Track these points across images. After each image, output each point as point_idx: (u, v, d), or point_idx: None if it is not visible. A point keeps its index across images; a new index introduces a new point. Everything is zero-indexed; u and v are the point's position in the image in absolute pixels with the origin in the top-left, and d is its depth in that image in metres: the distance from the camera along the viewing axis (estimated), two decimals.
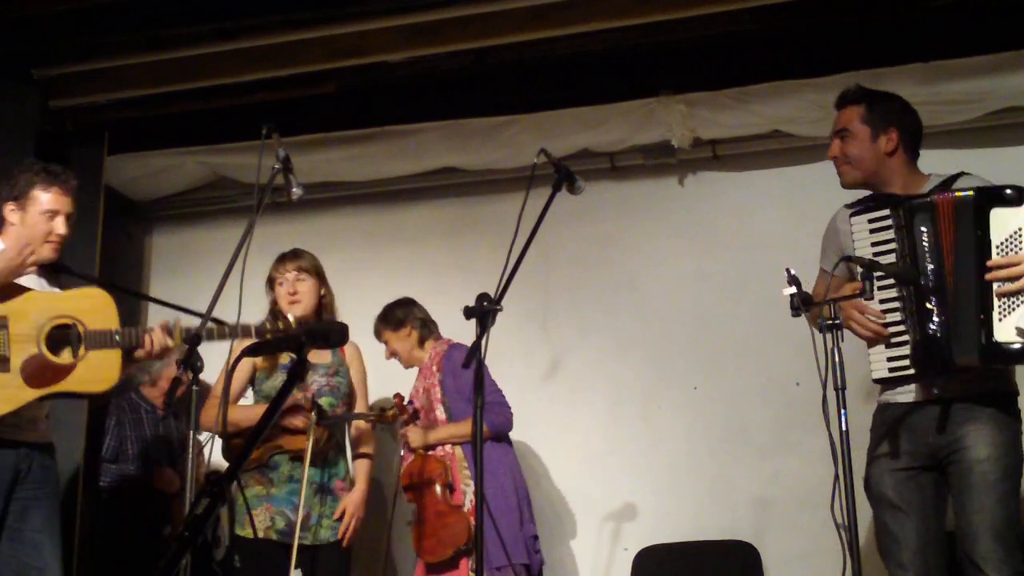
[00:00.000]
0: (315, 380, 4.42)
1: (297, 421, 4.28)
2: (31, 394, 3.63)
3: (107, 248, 5.66)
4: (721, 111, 5.19)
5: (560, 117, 5.34)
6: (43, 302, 3.70)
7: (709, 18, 4.81)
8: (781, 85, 5.03)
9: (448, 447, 4.64)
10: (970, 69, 4.82)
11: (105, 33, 5.11)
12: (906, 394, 3.35)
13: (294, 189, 3.71)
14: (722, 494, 5.21)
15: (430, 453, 4.61)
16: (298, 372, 2.29)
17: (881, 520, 3.35)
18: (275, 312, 4.42)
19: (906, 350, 3.22)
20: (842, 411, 3.00)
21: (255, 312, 4.00)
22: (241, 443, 4.19)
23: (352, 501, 4.37)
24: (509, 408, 4.67)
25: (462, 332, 3.54)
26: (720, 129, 5.34)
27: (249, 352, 2.45)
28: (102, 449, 5.26)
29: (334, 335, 2.41)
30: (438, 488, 4.50)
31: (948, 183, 3.36)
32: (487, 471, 4.36)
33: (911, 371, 3.22)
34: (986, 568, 3.13)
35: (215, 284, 3.56)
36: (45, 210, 3.79)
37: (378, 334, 4.96)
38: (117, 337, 3.65)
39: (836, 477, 2.96)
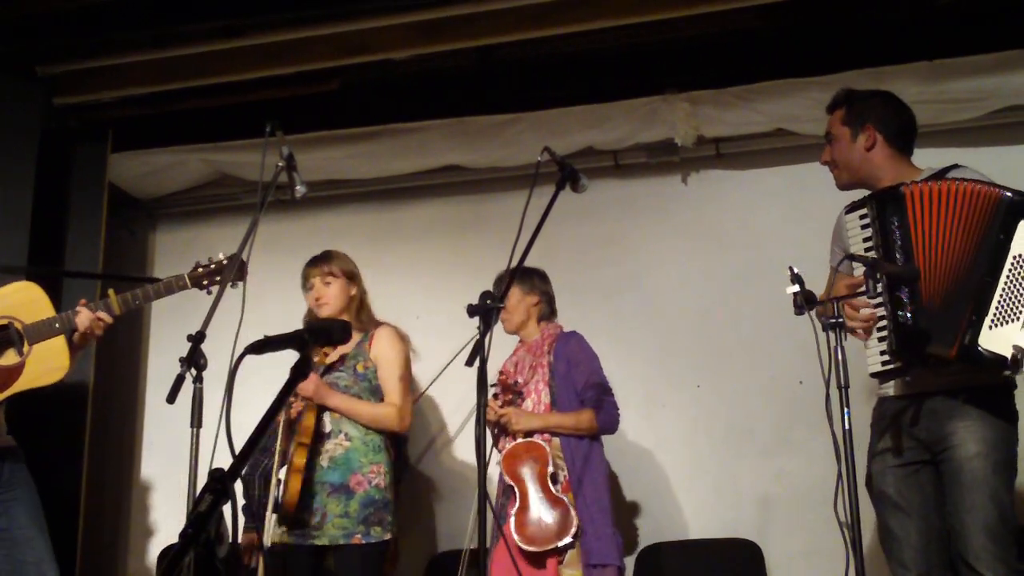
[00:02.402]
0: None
1: None
2: None
3: (111, 246, 5.68)
4: (725, 109, 5.19)
5: (564, 115, 5.35)
6: None
7: (713, 16, 4.83)
8: (785, 83, 5.03)
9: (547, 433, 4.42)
10: (974, 68, 4.82)
11: (109, 30, 5.12)
12: (892, 387, 3.35)
13: (298, 187, 3.71)
14: (725, 492, 5.21)
15: (531, 439, 4.36)
16: (301, 370, 2.27)
17: (883, 519, 3.35)
18: (312, 313, 4.45)
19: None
20: (845, 410, 2.98)
21: (263, 307, 3.99)
22: None
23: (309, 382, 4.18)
24: (618, 409, 4.49)
25: (465, 330, 3.54)
26: (724, 127, 5.33)
27: (252, 350, 2.43)
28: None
29: (336, 332, 2.41)
30: (543, 476, 4.28)
31: (940, 175, 3.36)
32: (588, 469, 4.29)
33: (899, 364, 3.19)
34: (979, 567, 3.10)
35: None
36: None
37: (508, 286, 4.56)
38: (56, 324, 3.65)
39: (839, 475, 2.95)
